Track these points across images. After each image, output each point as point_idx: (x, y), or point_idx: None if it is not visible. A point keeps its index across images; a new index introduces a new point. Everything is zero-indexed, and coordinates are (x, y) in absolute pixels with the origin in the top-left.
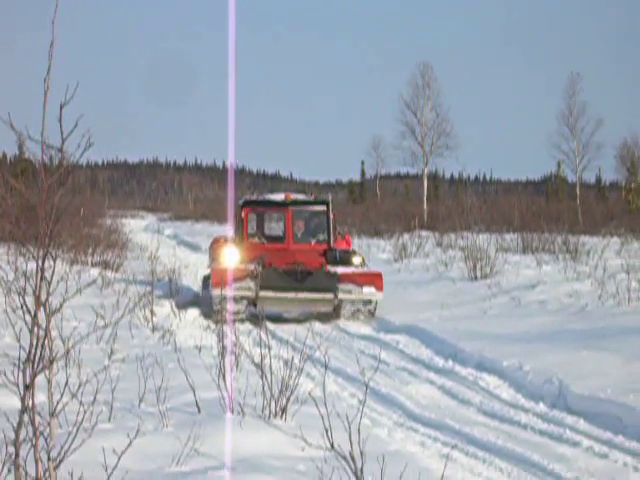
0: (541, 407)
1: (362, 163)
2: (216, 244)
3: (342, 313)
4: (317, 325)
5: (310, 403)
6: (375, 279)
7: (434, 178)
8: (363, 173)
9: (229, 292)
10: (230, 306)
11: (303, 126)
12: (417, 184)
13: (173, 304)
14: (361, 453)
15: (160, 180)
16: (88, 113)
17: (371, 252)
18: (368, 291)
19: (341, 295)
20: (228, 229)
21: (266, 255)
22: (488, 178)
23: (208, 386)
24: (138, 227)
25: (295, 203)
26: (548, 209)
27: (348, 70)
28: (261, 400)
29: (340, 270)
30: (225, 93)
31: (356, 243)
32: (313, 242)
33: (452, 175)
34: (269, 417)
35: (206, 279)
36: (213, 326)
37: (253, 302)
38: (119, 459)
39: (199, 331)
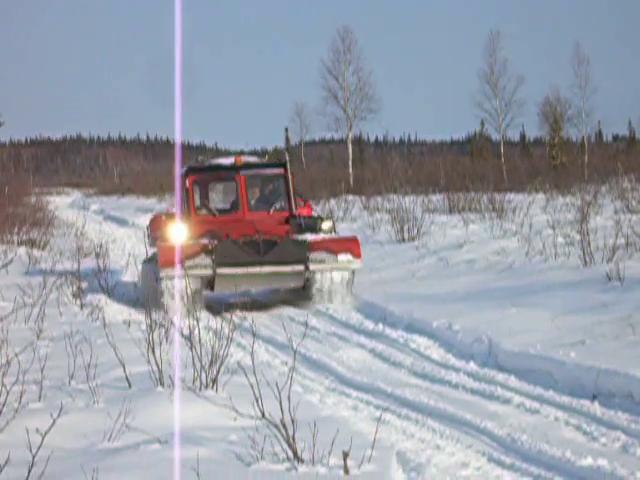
0: (472, 366)
1: (286, 130)
2: (157, 221)
3: (314, 292)
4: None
5: (241, 373)
6: (351, 245)
7: (359, 142)
8: (287, 140)
9: (181, 272)
10: (178, 284)
11: (225, 95)
12: (342, 149)
13: (101, 280)
14: (292, 420)
15: (85, 156)
16: (7, 91)
17: None
18: (344, 259)
19: (313, 266)
20: (168, 206)
21: (220, 229)
22: (413, 140)
23: (138, 360)
24: (64, 204)
25: (247, 167)
26: (473, 168)
27: (270, 36)
28: (191, 372)
29: (310, 237)
30: (147, 64)
31: None
32: (272, 210)
33: (377, 138)
34: (200, 389)
35: (148, 265)
36: (138, 295)
37: (209, 282)
38: (43, 438)
39: (128, 306)
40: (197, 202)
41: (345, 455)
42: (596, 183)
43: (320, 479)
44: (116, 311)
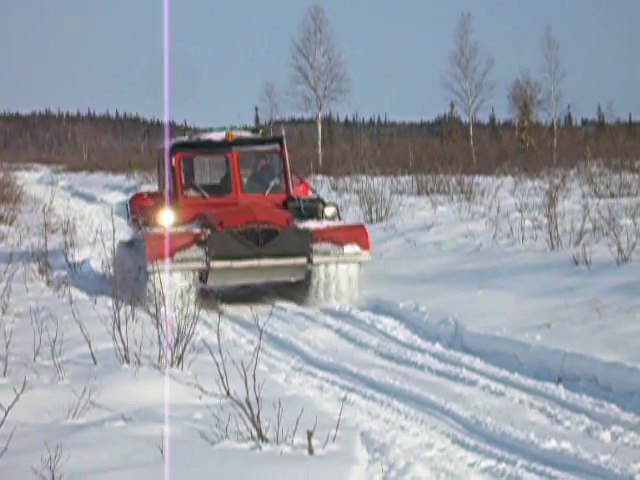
0: (437, 347)
1: (256, 109)
2: (138, 201)
3: (316, 288)
4: None
5: (207, 351)
6: (359, 234)
7: (328, 122)
8: (257, 119)
9: (171, 265)
10: (166, 277)
11: (194, 72)
12: (311, 129)
13: (68, 257)
14: (257, 399)
15: (54, 132)
16: None
17: None
18: (351, 250)
19: (317, 258)
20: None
21: (212, 213)
22: (383, 121)
23: (104, 337)
24: (32, 180)
25: (240, 142)
26: (442, 150)
27: (240, 14)
28: (157, 349)
29: (312, 226)
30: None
31: None
32: (267, 192)
33: (347, 119)
34: (165, 366)
35: (128, 248)
36: (108, 277)
37: (201, 276)
38: (6, 413)
39: (95, 283)
40: (184, 182)
41: (309, 435)
42: (565, 167)
43: (284, 458)
44: (82, 287)
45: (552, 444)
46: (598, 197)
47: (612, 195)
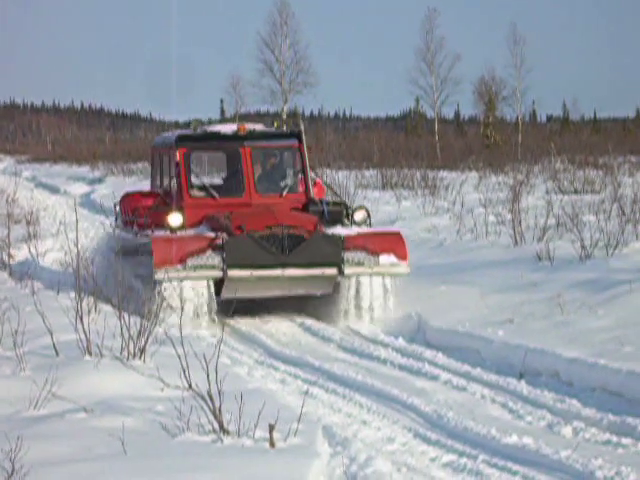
0: (400, 342)
1: (221, 102)
2: (130, 202)
3: (346, 303)
4: None
5: (169, 344)
6: (395, 242)
7: (294, 116)
8: (222, 112)
9: (182, 273)
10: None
11: (159, 64)
12: (276, 120)
13: (31, 248)
14: (219, 392)
15: (18, 122)
16: None
17: None
18: (387, 261)
19: (349, 269)
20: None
21: (226, 215)
22: (348, 115)
23: (66, 329)
24: None
25: (254, 137)
26: (407, 145)
27: (207, 7)
28: (120, 341)
29: (343, 232)
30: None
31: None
32: (284, 192)
33: (312, 112)
34: (127, 358)
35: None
36: (71, 268)
37: (216, 285)
38: None
39: (57, 274)
40: (190, 180)
41: (271, 428)
42: (529, 163)
43: (245, 451)
44: (45, 279)
45: (513, 439)
46: (562, 193)
47: (576, 191)
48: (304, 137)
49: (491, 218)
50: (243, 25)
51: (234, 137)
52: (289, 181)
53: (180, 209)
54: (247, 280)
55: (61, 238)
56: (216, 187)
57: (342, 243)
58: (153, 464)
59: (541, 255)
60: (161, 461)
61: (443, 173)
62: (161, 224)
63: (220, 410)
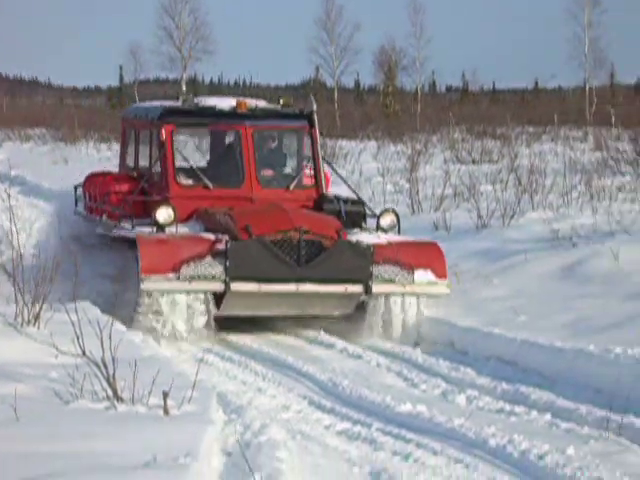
0: None
1: (120, 68)
2: (101, 185)
3: (373, 326)
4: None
5: (64, 311)
6: (433, 256)
7: (193, 83)
8: (122, 78)
9: (176, 284)
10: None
11: (57, 28)
12: (176, 89)
13: None
14: (113, 359)
15: None
16: None
17: None
18: (424, 278)
19: (377, 287)
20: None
21: (225, 212)
22: (248, 83)
23: None
24: None
25: (256, 115)
26: None
27: None
28: (14, 308)
29: (371, 240)
30: None
31: (114, 149)
32: (292, 186)
33: (212, 80)
34: (22, 325)
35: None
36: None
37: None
38: None
39: None
40: (177, 164)
41: (165, 395)
42: (427, 133)
43: (139, 418)
44: None
45: (408, 407)
46: (460, 163)
47: (474, 161)
48: (316, 120)
49: (389, 187)
50: None
51: (232, 114)
52: (297, 172)
53: (166, 200)
54: (253, 295)
55: None
56: (213, 175)
57: (372, 254)
58: (46, 431)
59: (438, 224)
60: (54, 428)
61: (342, 142)
62: (141, 216)
63: (114, 377)
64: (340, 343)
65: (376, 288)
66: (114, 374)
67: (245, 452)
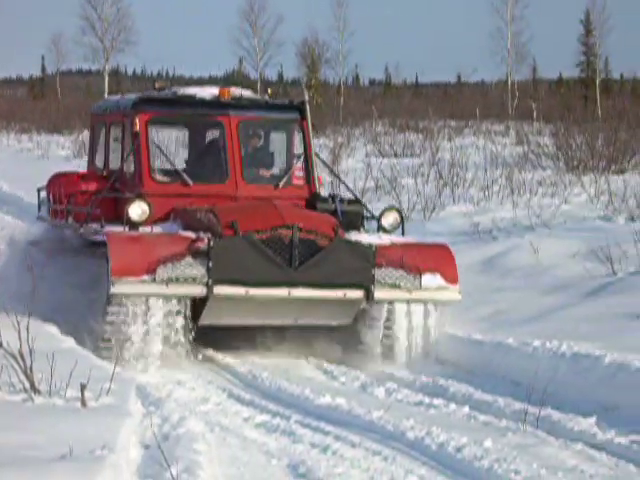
0: None
1: (42, 58)
2: (66, 185)
3: (372, 341)
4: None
5: None
6: (442, 258)
7: (116, 74)
8: (43, 69)
9: (151, 287)
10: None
11: None
12: (99, 80)
13: None
14: (30, 351)
15: None
16: None
17: (51, 149)
18: (432, 283)
19: (380, 293)
20: None
21: (207, 208)
22: (171, 74)
23: None
24: None
25: (241, 105)
26: None
27: None
28: None
29: (374, 240)
30: None
31: (35, 140)
32: (281, 183)
33: (135, 71)
34: None
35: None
36: None
37: (194, 307)
38: None
39: None
40: (152, 159)
41: (82, 387)
42: (350, 126)
43: (56, 411)
44: None
45: (327, 400)
46: (382, 156)
47: (396, 155)
48: (308, 111)
49: None
50: None
51: (215, 103)
52: (287, 168)
53: (139, 196)
54: (239, 301)
55: None
56: (192, 171)
57: (373, 255)
58: None
59: None
60: None
61: None
62: (112, 217)
63: (31, 369)
64: (260, 335)
65: (379, 294)
66: (31, 366)
67: (163, 444)
